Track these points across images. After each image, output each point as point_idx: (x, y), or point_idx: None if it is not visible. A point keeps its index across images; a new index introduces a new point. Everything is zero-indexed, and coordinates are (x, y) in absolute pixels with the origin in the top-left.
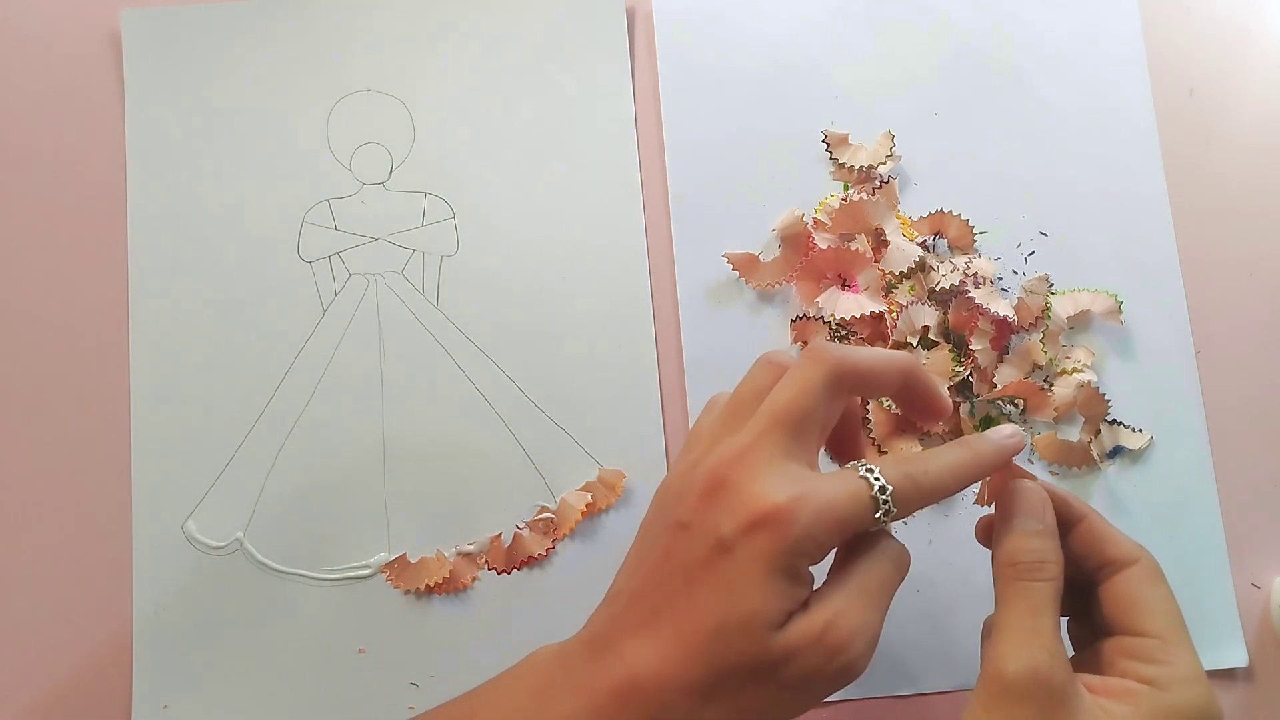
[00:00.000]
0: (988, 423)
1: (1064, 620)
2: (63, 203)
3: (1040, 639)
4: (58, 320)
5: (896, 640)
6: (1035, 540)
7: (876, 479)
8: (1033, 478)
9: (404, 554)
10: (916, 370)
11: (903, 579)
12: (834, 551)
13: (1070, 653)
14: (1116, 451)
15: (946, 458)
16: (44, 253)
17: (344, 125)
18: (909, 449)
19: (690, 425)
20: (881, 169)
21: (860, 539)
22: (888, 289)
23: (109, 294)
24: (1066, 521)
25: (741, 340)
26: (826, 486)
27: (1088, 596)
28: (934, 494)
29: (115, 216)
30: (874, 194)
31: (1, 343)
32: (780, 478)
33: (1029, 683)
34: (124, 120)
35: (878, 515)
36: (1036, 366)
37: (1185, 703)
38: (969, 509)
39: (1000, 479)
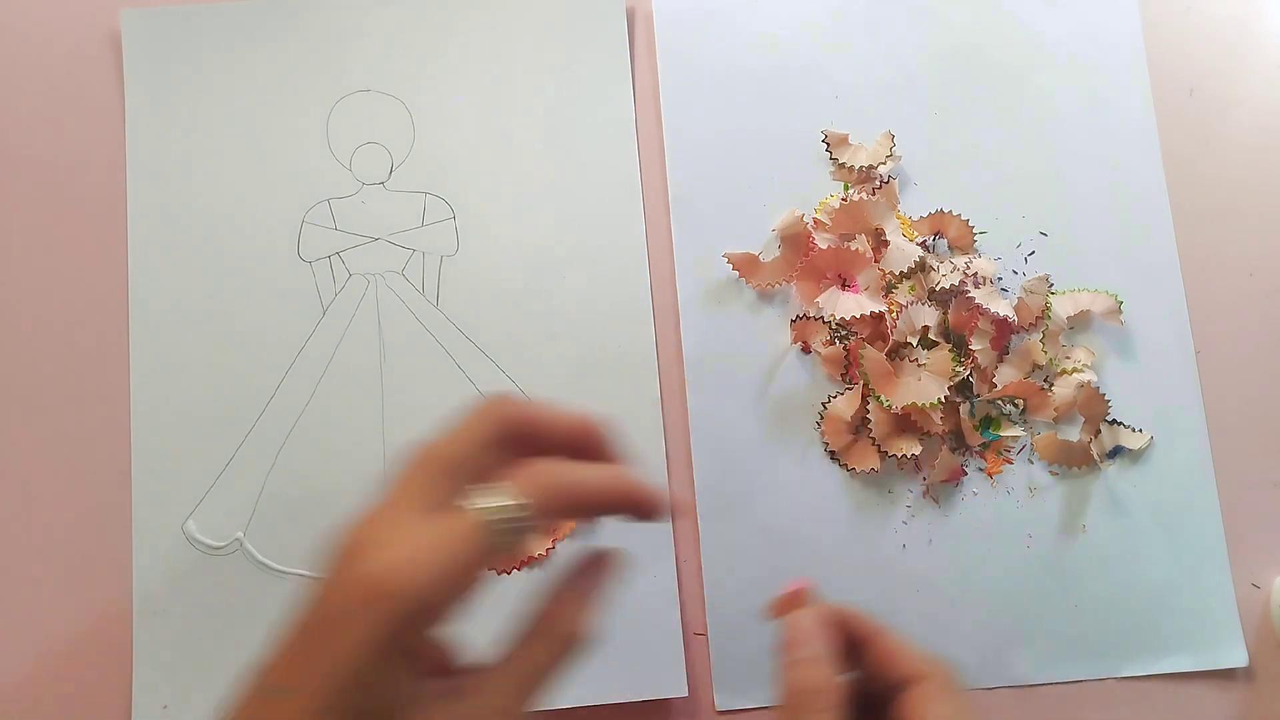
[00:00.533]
0: (988, 423)
1: None
2: (63, 203)
3: None
4: (58, 322)
5: None
6: (811, 668)
7: (489, 506)
8: (815, 605)
9: None
10: (598, 429)
11: (574, 653)
12: None
13: None
14: (1116, 451)
15: (603, 474)
16: (44, 254)
17: (344, 125)
18: (909, 449)
19: (690, 425)
20: (881, 169)
21: (540, 620)
22: (888, 289)
23: (109, 295)
24: (859, 639)
25: (741, 340)
26: (428, 544)
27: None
28: (580, 506)
29: (115, 216)
30: (874, 194)
31: (2, 344)
32: (395, 540)
33: None
34: (124, 120)
35: (499, 542)
36: (1036, 366)
37: None
38: (969, 509)
39: (786, 602)
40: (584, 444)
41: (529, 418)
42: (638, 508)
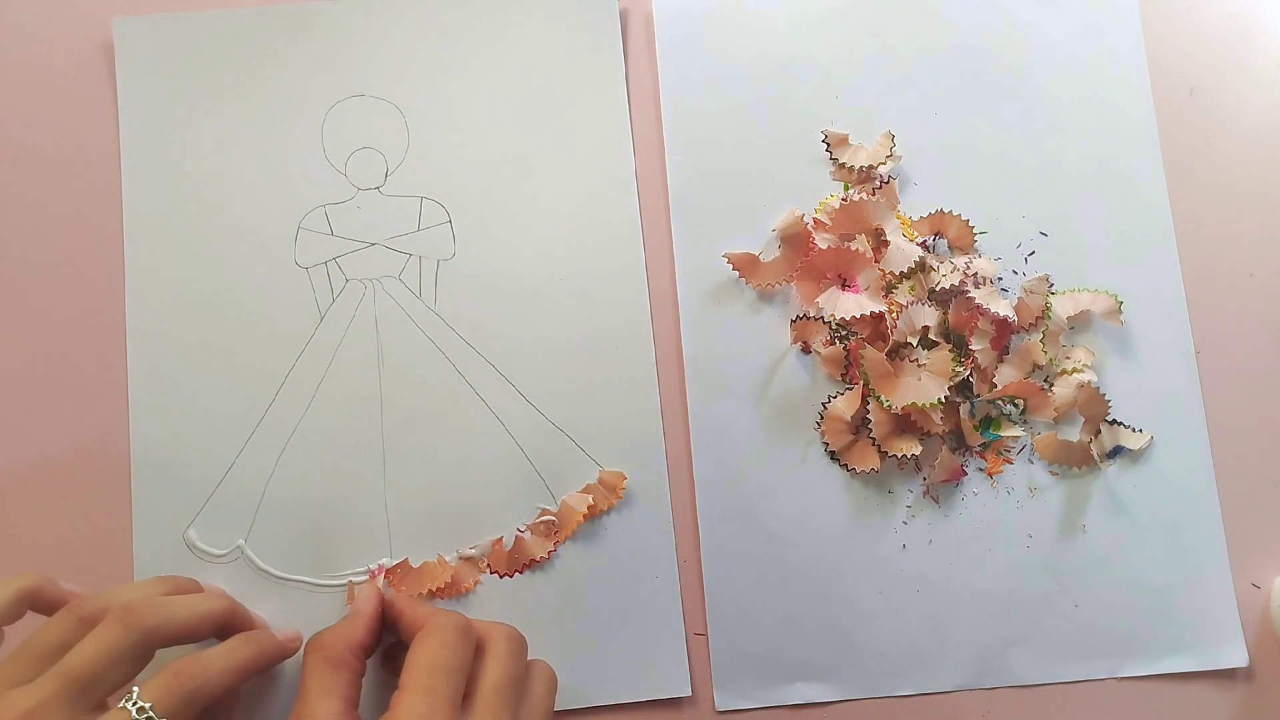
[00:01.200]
0: (988, 423)
1: None
2: (59, 212)
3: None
4: (56, 333)
5: (896, 640)
6: (341, 625)
7: (143, 712)
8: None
9: (406, 559)
10: (236, 611)
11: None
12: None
13: None
14: (1116, 451)
15: (231, 659)
16: (41, 263)
17: (338, 131)
18: (909, 449)
19: (690, 425)
20: (881, 169)
21: None
22: (888, 289)
23: (106, 304)
24: (395, 614)
25: (741, 340)
26: None
27: None
28: (217, 696)
29: (111, 225)
30: (874, 194)
31: (1, 354)
32: None
33: None
34: (118, 129)
35: None
36: (1036, 366)
37: None
38: (969, 509)
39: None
40: (230, 625)
41: (169, 630)
42: (271, 663)
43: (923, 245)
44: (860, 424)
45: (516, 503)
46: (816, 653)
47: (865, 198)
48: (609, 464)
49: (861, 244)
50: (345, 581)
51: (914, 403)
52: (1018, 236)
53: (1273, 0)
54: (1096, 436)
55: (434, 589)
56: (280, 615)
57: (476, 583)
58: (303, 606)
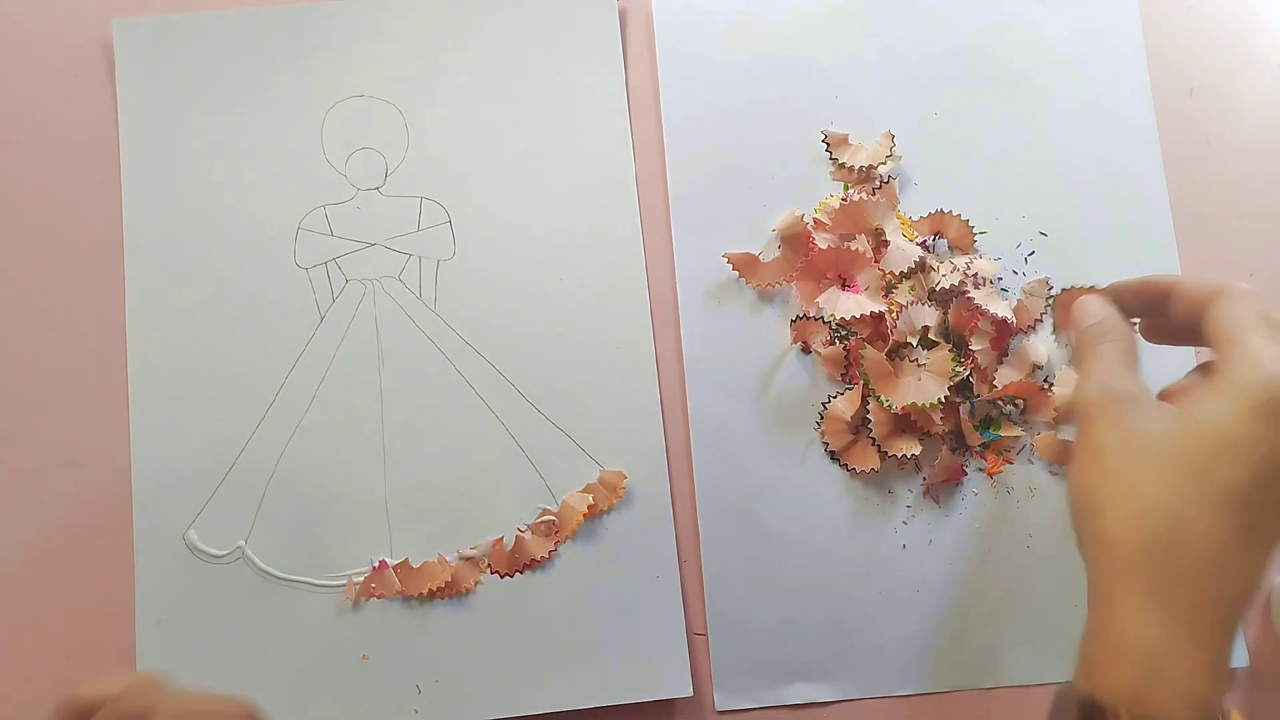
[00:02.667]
0: (988, 423)
1: None
2: (59, 213)
3: (1097, 371)
4: (56, 334)
5: (897, 640)
6: (1098, 313)
7: None
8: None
9: (406, 559)
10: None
11: None
12: None
13: None
14: None
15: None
16: (40, 265)
17: (338, 131)
18: (909, 449)
19: (690, 425)
20: (881, 169)
21: None
22: (888, 289)
23: (106, 306)
24: (1157, 297)
25: (741, 340)
26: None
27: None
28: None
29: (111, 226)
30: (874, 194)
31: (1, 357)
32: None
33: (1096, 400)
34: (118, 130)
35: None
36: (1036, 366)
37: (1233, 386)
38: (969, 509)
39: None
40: None
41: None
42: None
43: (923, 245)
44: (860, 424)
45: (516, 503)
46: (816, 653)
47: (865, 198)
48: (609, 464)
49: (861, 244)
50: (345, 581)
51: (914, 403)
52: (1018, 236)
53: (1273, 0)
54: None
55: (434, 588)
56: (280, 615)
57: (477, 583)
58: (303, 607)
